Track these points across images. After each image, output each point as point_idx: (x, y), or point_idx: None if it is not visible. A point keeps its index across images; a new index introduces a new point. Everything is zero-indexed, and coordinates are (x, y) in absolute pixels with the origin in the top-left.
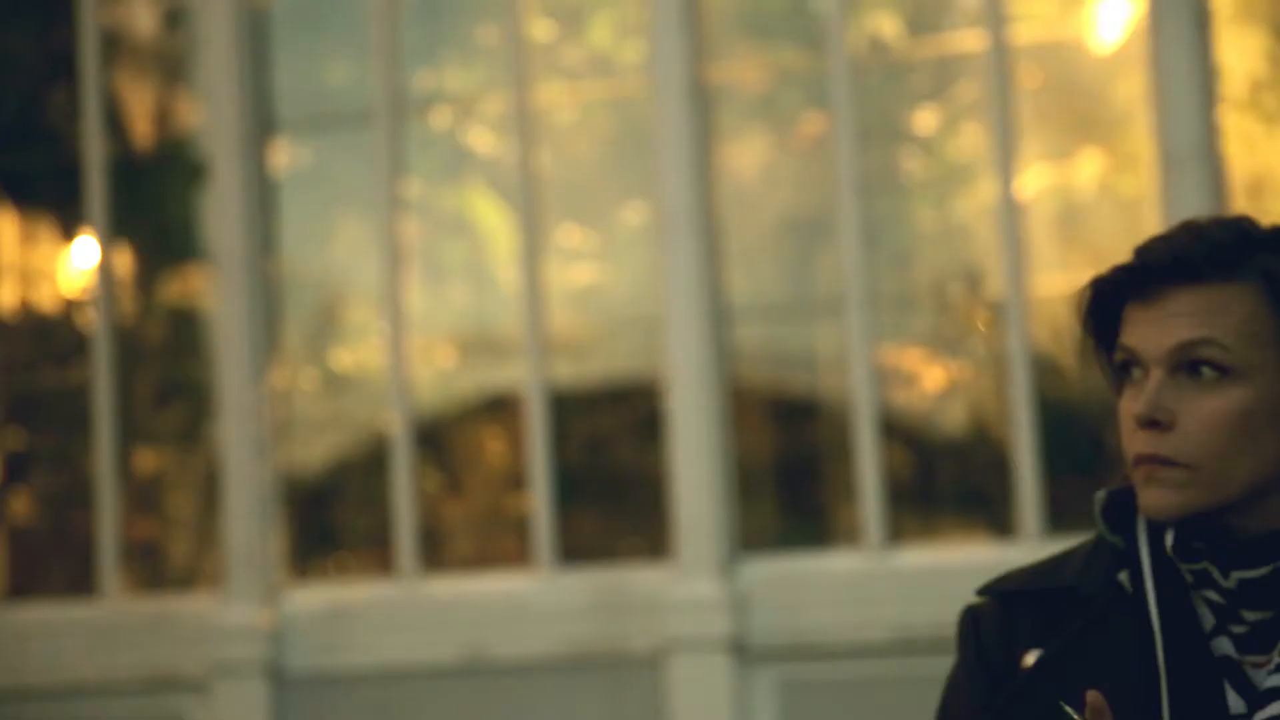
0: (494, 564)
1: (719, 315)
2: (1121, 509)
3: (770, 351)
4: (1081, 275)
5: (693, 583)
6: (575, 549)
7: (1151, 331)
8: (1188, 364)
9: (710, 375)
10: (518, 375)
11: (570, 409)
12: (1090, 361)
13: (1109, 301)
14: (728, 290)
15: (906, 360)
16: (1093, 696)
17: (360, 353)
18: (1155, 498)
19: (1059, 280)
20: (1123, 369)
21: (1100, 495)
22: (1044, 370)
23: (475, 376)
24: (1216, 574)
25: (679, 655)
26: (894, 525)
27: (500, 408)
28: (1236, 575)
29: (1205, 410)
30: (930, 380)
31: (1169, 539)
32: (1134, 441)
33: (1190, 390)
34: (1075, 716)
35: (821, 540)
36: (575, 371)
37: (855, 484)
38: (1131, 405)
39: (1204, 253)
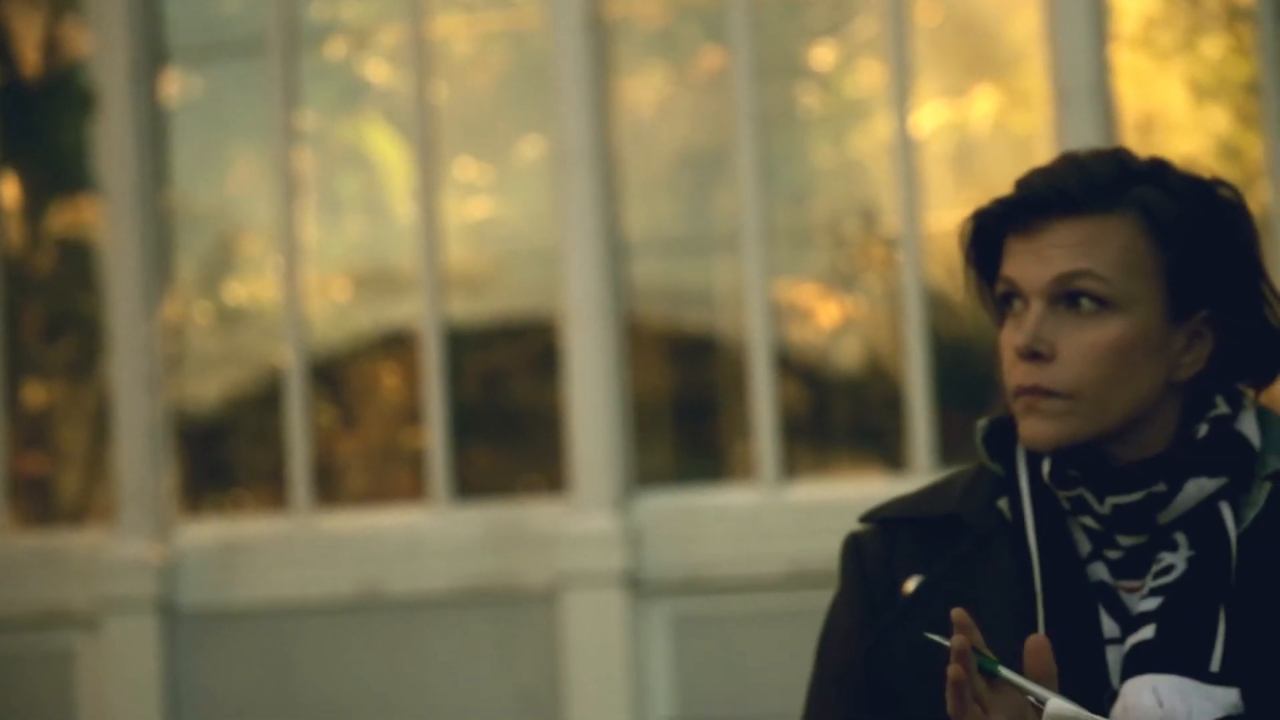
0: (389, 499)
1: (616, 250)
2: (1002, 438)
3: (667, 287)
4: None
5: (588, 518)
6: (471, 484)
7: (1031, 263)
8: (1067, 295)
9: (607, 310)
10: (414, 310)
11: (466, 344)
12: (974, 295)
13: (991, 234)
14: (625, 225)
15: (802, 296)
16: (957, 614)
17: (254, 286)
18: (1035, 428)
19: (954, 216)
20: (1004, 301)
21: (981, 424)
22: (938, 306)
23: (371, 311)
24: (1092, 500)
25: (573, 590)
26: (788, 460)
27: (396, 342)
28: (1112, 501)
29: (1084, 341)
30: (826, 316)
31: (1046, 466)
32: (1014, 372)
33: (1070, 322)
34: (943, 642)
35: (716, 475)
36: (471, 306)
37: (750, 419)
38: (1012, 336)
39: (1082, 185)
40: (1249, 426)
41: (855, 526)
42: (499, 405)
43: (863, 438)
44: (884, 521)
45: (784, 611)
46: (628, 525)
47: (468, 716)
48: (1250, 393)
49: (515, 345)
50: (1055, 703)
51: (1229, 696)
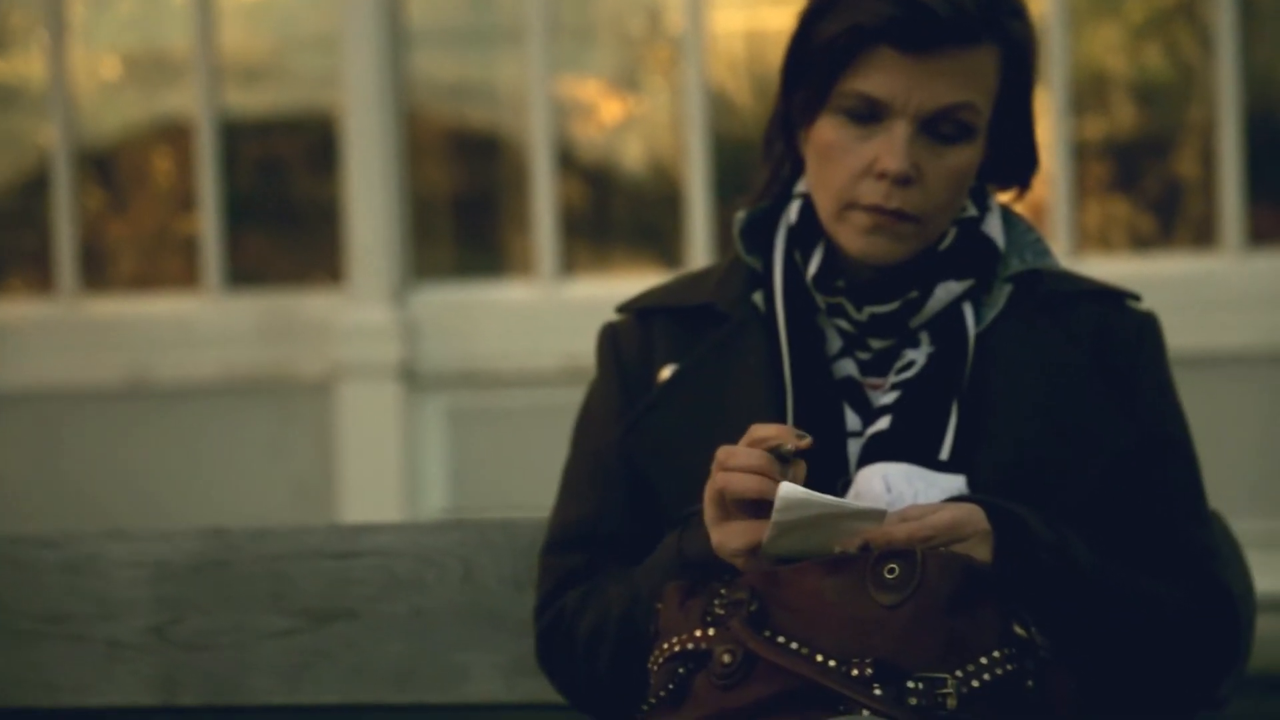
0: (160, 286)
1: (397, 39)
2: (760, 230)
3: (449, 80)
4: (760, 13)
5: (364, 309)
6: (245, 273)
7: (912, 85)
8: (935, 122)
9: (387, 102)
10: (188, 95)
11: (242, 132)
12: (803, 94)
13: (854, 39)
14: (406, 14)
15: (586, 93)
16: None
17: (19, 64)
18: (882, 246)
19: (737, 17)
20: (844, 110)
21: (740, 216)
22: (719, 106)
23: (143, 94)
24: (850, 308)
25: (348, 381)
26: (567, 257)
27: (170, 127)
28: (869, 310)
29: (945, 168)
30: (608, 114)
31: (813, 269)
32: (864, 189)
33: (933, 147)
34: (793, 447)
35: (496, 270)
36: (248, 94)
37: (530, 215)
38: (862, 150)
39: (978, 14)
40: (995, 228)
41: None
42: (276, 195)
43: (642, 235)
44: (641, 311)
45: (559, 406)
46: (404, 318)
47: (239, 506)
48: (996, 194)
49: (293, 134)
50: (786, 486)
51: (955, 483)
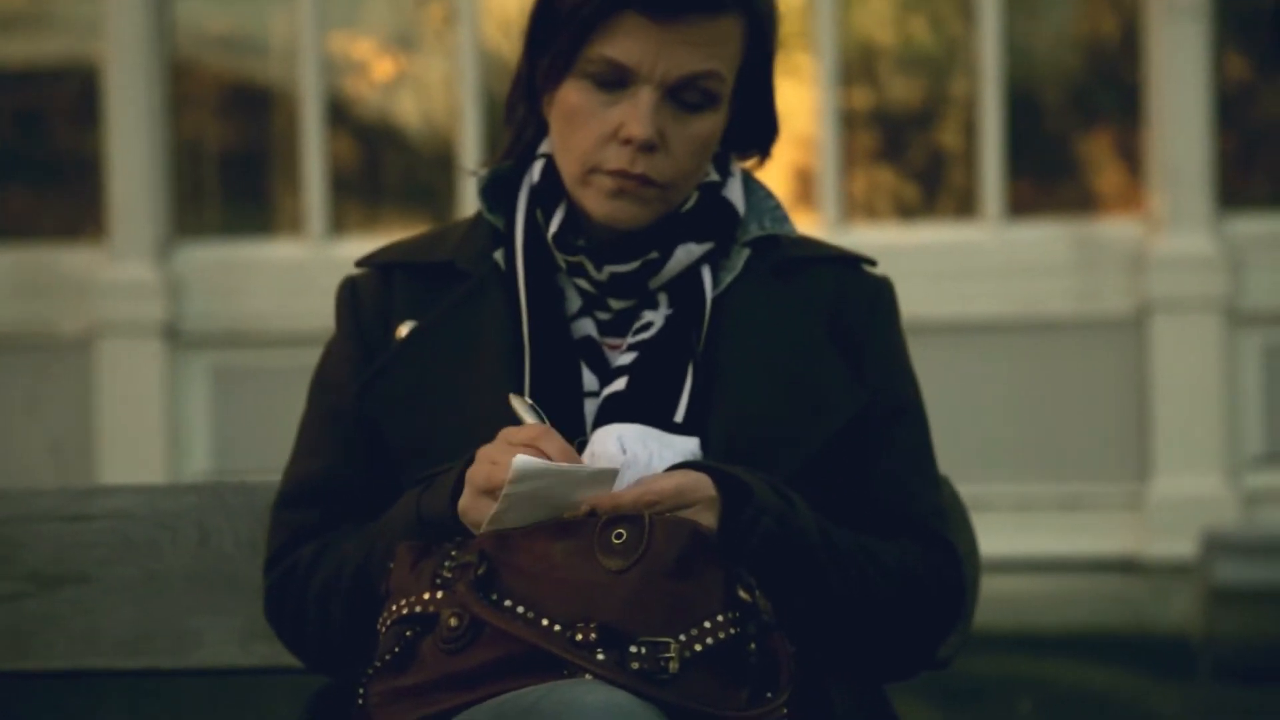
0: None
1: None
2: (503, 189)
3: (220, 32)
4: None
5: (125, 266)
6: (2, 228)
7: (656, 52)
8: (682, 90)
9: (151, 53)
10: None
11: (1, 82)
12: (541, 51)
13: (602, 5)
14: None
15: (358, 50)
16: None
17: None
18: (626, 210)
19: None
20: (589, 75)
21: (481, 175)
22: (492, 67)
23: None
24: (591, 268)
25: (109, 338)
26: (337, 216)
27: None
28: (609, 269)
29: (690, 134)
30: (381, 71)
31: (553, 227)
32: (609, 154)
33: (677, 114)
34: (522, 411)
35: (264, 228)
36: (6, 43)
37: (301, 173)
38: (608, 115)
39: None
40: (735, 194)
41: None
42: (34, 147)
43: (413, 195)
44: (381, 266)
45: None
46: (168, 275)
47: None
48: (738, 160)
49: (54, 85)
50: (520, 458)
51: (689, 445)
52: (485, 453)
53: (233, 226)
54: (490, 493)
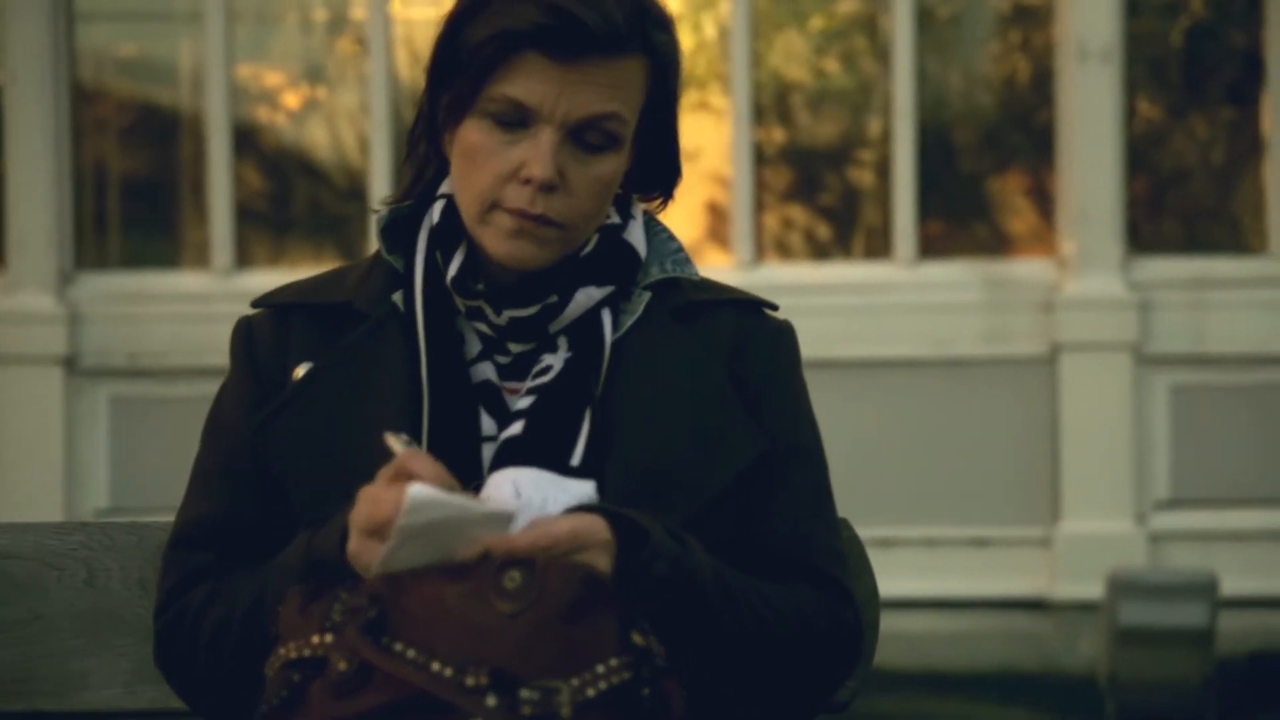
0: None
1: (67, 14)
2: (403, 229)
3: (124, 59)
4: (445, 3)
5: (26, 296)
6: None
7: (560, 92)
8: (584, 131)
9: (55, 78)
10: None
11: None
12: (443, 89)
13: (504, 44)
14: None
15: (268, 78)
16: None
17: None
18: (526, 250)
19: (422, 7)
20: (491, 115)
21: (381, 215)
22: (403, 98)
23: None
24: (490, 311)
25: (9, 368)
26: (244, 247)
27: None
28: (508, 313)
29: (591, 176)
30: (291, 101)
31: (452, 270)
32: (509, 193)
33: (578, 155)
34: (396, 448)
35: (169, 259)
36: None
37: (207, 203)
38: (508, 154)
39: (626, 25)
40: (636, 236)
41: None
42: None
43: (322, 227)
44: (278, 307)
45: None
46: (69, 306)
47: None
48: (640, 202)
49: None
50: (415, 488)
51: (585, 489)
52: (366, 493)
53: (136, 256)
54: (375, 532)
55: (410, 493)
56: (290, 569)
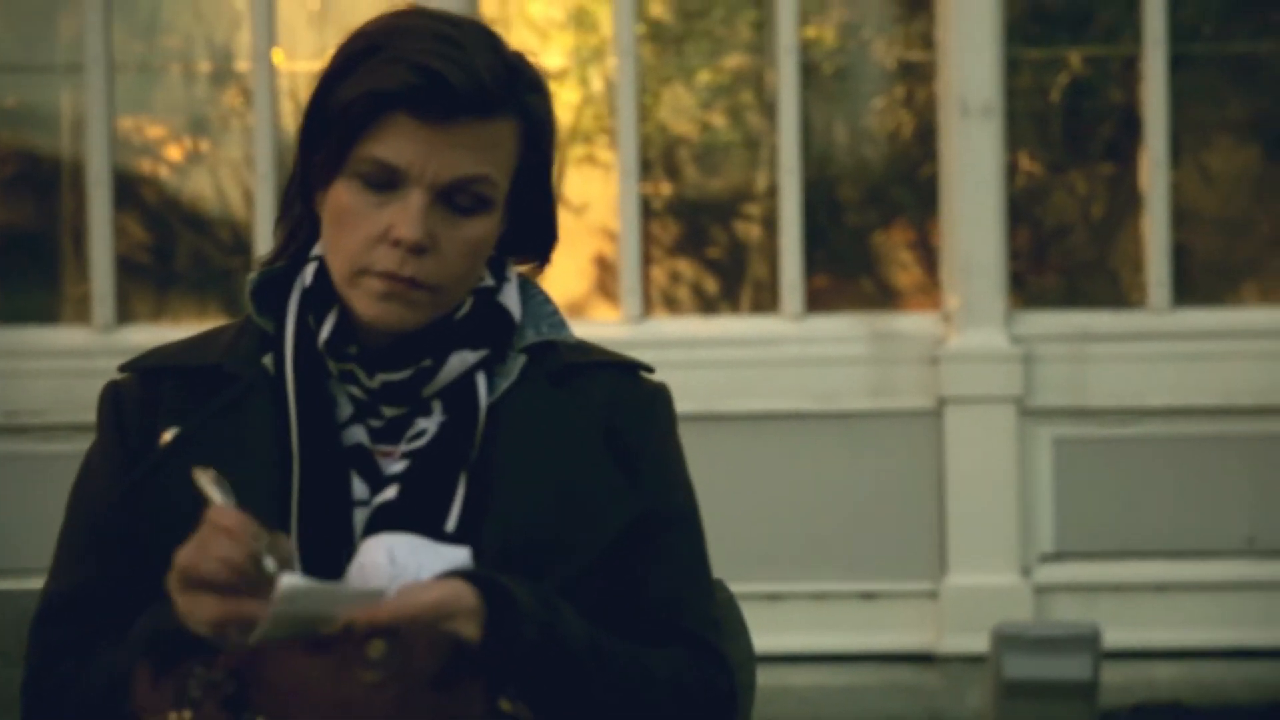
0: None
1: None
2: (275, 291)
3: (4, 110)
4: (330, 55)
5: None
6: None
7: (429, 154)
8: (454, 193)
9: None
10: None
11: None
12: (314, 149)
13: (372, 105)
14: None
15: (150, 131)
16: (202, 475)
17: None
18: (395, 313)
19: (307, 60)
20: (360, 176)
21: (252, 277)
22: (289, 152)
23: None
24: (362, 375)
25: None
26: (125, 301)
27: None
28: (381, 377)
29: (461, 238)
30: (174, 153)
31: (324, 333)
32: (379, 255)
33: (449, 217)
34: (208, 493)
35: (47, 313)
36: None
37: (88, 257)
38: (378, 216)
39: (496, 87)
40: (511, 299)
41: (116, 375)
42: None
43: (205, 281)
44: (147, 371)
45: None
46: None
47: None
48: (514, 265)
49: None
50: (287, 578)
51: (460, 554)
52: (182, 551)
53: (15, 311)
54: (193, 584)
55: (282, 584)
56: (140, 642)
